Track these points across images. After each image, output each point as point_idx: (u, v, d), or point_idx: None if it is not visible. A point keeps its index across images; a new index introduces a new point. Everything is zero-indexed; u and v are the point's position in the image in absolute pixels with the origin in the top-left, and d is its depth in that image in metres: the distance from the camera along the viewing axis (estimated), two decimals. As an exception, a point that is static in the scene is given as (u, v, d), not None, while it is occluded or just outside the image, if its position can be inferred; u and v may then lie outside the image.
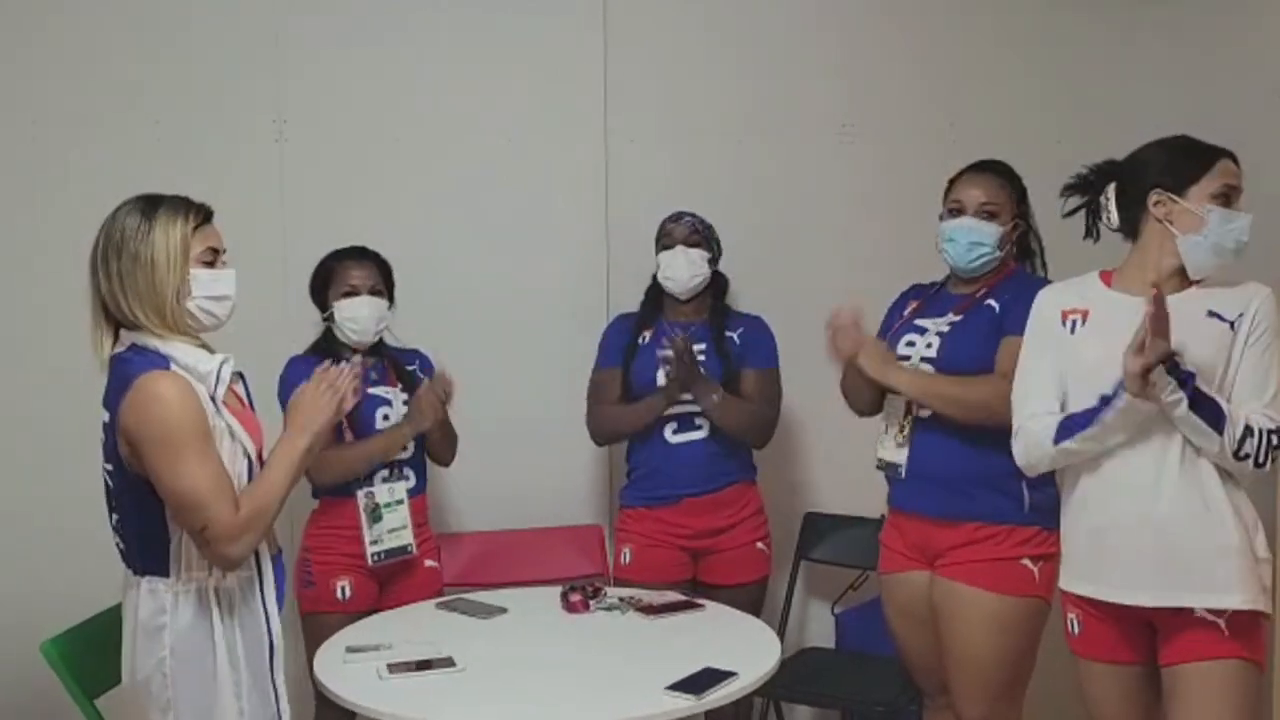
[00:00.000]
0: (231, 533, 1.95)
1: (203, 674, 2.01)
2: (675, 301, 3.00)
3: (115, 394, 1.98)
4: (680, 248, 2.95)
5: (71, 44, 3.13)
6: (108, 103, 3.15)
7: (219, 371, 2.03)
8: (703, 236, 2.97)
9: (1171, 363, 2.04)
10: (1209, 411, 2.06)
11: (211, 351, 2.07)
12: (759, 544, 2.98)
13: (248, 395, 2.18)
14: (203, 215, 2.07)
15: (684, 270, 2.94)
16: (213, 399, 2.02)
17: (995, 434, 2.42)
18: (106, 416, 2.02)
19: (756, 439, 2.98)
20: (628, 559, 2.99)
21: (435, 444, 2.95)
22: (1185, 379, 2.05)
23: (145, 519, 2.01)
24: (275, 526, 2.16)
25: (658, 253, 2.98)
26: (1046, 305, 2.32)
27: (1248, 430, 2.06)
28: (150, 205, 2.04)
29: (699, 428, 2.92)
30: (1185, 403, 2.05)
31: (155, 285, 2.00)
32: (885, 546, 2.66)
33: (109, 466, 2.04)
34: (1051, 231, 2.58)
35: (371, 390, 2.85)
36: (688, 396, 2.89)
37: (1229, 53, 3.30)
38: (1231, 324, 2.13)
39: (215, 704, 2.02)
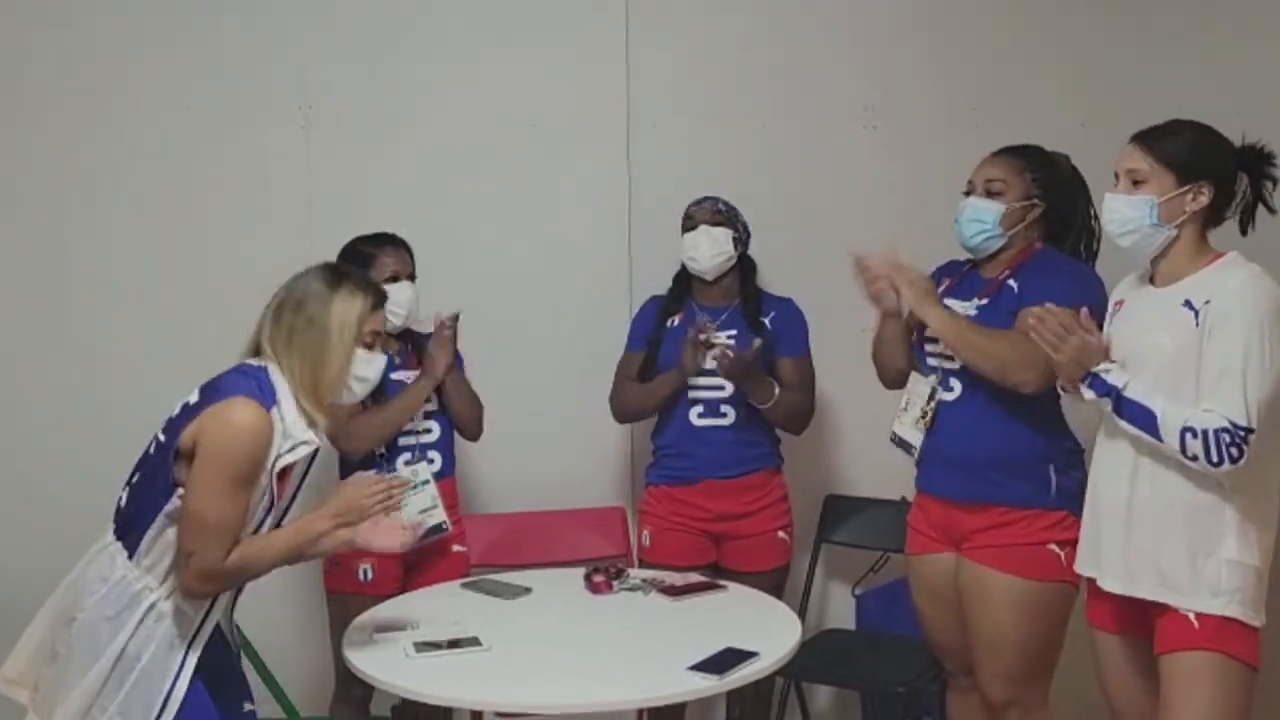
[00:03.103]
0: (208, 573, 2.00)
1: (87, 656, 2.03)
2: (704, 284, 3.01)
3: (215, 392, 2.04)
4: (704, 227, 2.95)
5: (103, 34, 3.16)
6: (138, 91, 3.18)
7: (298, 446, 2.07)
8: (726, 217, 2.97)
9: (1090, 375, 2.11)
10: (1138, 419, 2.08)
11: (311, 423, 2.10)
12: (780, 533, 2.99)
13: (306, 471, 2.19)
14: (378, 297, 2.15)
15: (707, 249, 2.94)
16: (276, 460, 2.05)
17: (1021, 417, 2.44)
18: (195, 399, 2.07)
19: (797, 428, 3.02)
20: (648, 541, 3.02)
21: (458, 412, 2.94)
22: (1105, 390, 2.10)
23: (152, 497, 2.06)
24: (297, 506, 2.19)
25: (682, 236, 2.99)
26: (1112, 296, 2.36)
27: (1189, 431, 2.04)
28: (342, 274, 2.14)
29: (723, 415, 2.93)
30: (1109, 407, 2.10)
31: (324, 352, 2.08)
32: (912, 528, 2.67)
33: (162, 438, 2.08)
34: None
35: (394, 375, 2.86)
36: (707, 379, 2.90)
37: (1255, 36, 3.27)
38: (1197, 313, 2.11)
39: (75, 690, 2.02)
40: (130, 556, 2.06)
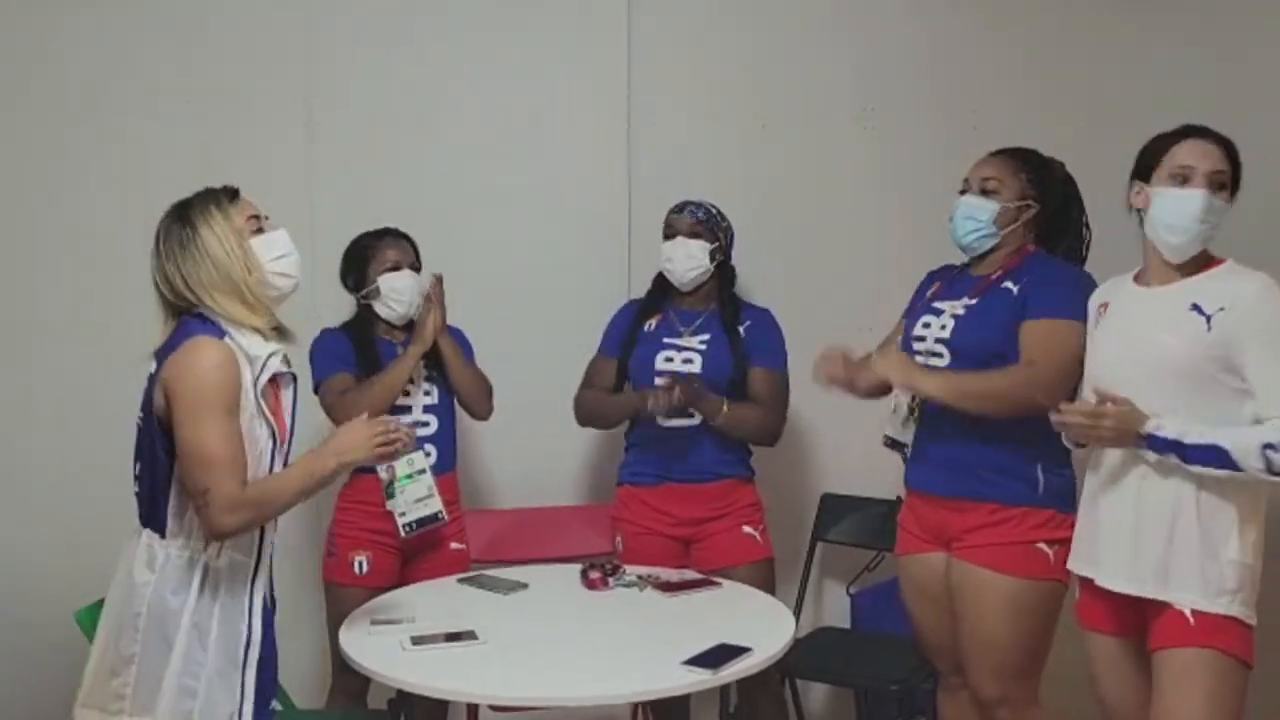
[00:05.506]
0: (230, 504, 2.00)
1: (165, 640, 2.05)
2: (681, 290, 3.01)
3: (168, 348, 2.06)
4: (681, 239, 2.94)
5: (107, 30, 3.18)
6: (141, 89, 3.19)
7: (266, 360, 2.09)
8: (706, 228, 2.95)
9: (1146, 439, 2.09)
10: (1211, 459, 2.07)
11: (267, 339, 2.11)
12: (745, 527, 2.94)
13: (294, 403, 2.21)
14: (229, 194, 2.15)
15: (682, 261, 2.94)
16: (256, 384, 2.07)
17: (1010, 416, 2.45)
18: (153, 367, 2.08)
19: (763, 440, 2.99)
20: (620, 546, 3.01)
21: (463, 388, 2.95)
22: (1168, 447, 2.08)
23: (156, 473, 2.07)
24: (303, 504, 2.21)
25: (662, 242, 2.99)
26: (1093, 301, 2.37)
27: (1269, 448, 2.04)
28: (183, 208, 2.12)
29: (690, 414, 2.91)
30: (1174, 460, 2.08)
31: (222, 271, 2.08)
32: (902, 528, 2.68)
33: (141, 414, 2.10)
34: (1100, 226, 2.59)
35: None
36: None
37: (1254, 42, 3.29)
38: (1209, 318, 2.12)
39: (165, 674, 2.04)
40: (164, 537, 2.08)
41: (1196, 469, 2.09)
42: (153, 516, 2.09)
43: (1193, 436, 2.08)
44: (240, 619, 2.10)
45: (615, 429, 3.19)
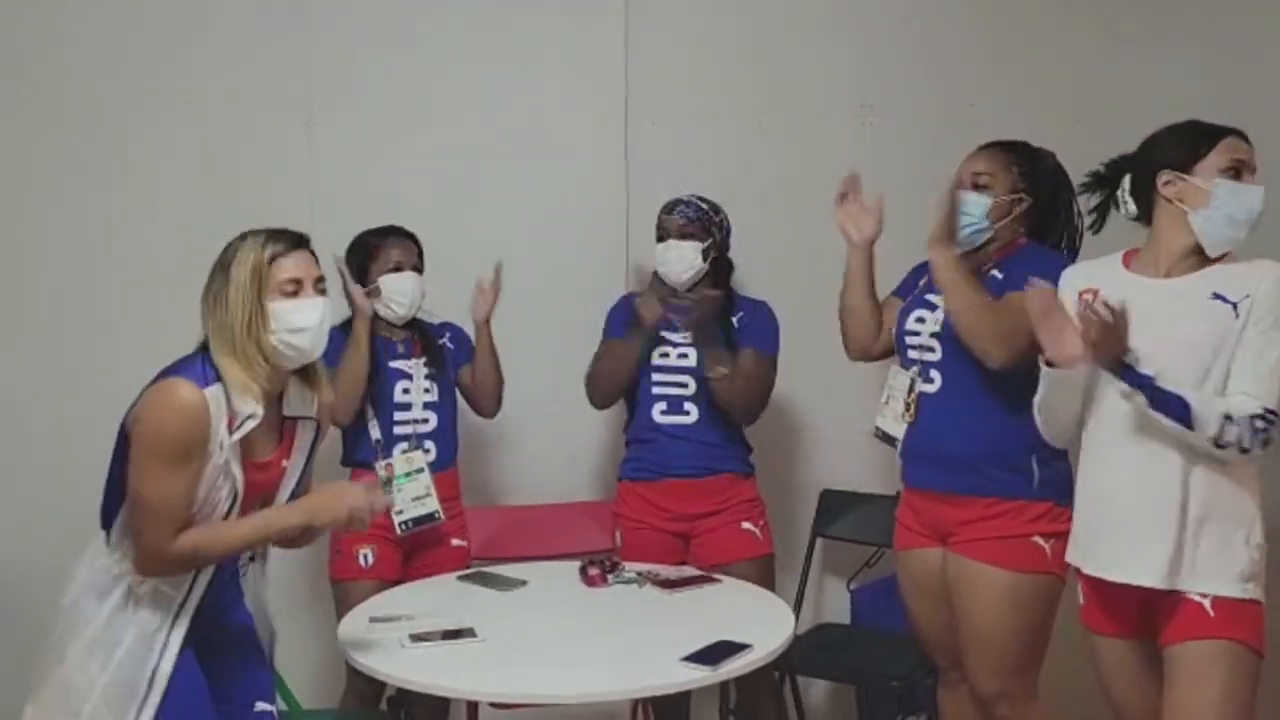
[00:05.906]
0: (157, 556, 1.99)
1: (71, 635, 2.04)
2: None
3: (160, 376, 2.02)
4: (673, 241, 2.94)
5: (107, 30, 3.18)
6: (141, 89, 3.20)
7: (243, 421, 2.01)
8: (699, 226, 2.94)
9: (1124, 365, 2.07)
10: (1172, 408, 2.06)
11: (258, 399, 2.03)
12: (744, 523, 2.93)
13: (312, 446, 2.17)
14: (283, 244, 2.05)
15: (675, 264, 2.94)
16: (232, 437, 2.01)
17: (1002, 409, 2.46)
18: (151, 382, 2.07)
19: (743, 416, 2.96)
20: (619, 541, 3.02)
21: (481, 375, 2.96)
22: (1140, 381, 2.07)
23: (114, 488, 2.07)
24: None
25: (656, 243, 2.98)
26: (1067, 286, 2.35)
27: (1227, 419, 2.05)
28: (245, 234, 2.07)
29: (687, 413, 2.92)
30: (1144, 402, 2.08)
31: (225, 324, 2.01)
32: (900, 524, 2.68)
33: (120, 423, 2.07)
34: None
35: (393, 364, 2.91)
36: (670, 376, 2.91)
37: (1253, 36, 3.29)
38: (1235, 305, 2.14)
39: (50, 677, 2.03)
40: (107, 543, 2.08)
41: (1155, 415, 2.08)
42: (107, 523, 2.09)
43: (1165, 383, 2.08)
44: (148, 655, 2.03)
45: (617, 429, 3.20)
